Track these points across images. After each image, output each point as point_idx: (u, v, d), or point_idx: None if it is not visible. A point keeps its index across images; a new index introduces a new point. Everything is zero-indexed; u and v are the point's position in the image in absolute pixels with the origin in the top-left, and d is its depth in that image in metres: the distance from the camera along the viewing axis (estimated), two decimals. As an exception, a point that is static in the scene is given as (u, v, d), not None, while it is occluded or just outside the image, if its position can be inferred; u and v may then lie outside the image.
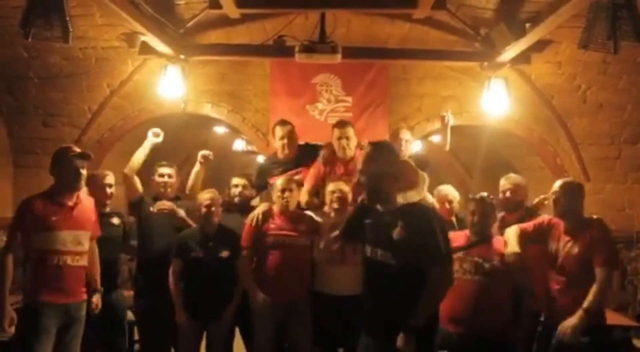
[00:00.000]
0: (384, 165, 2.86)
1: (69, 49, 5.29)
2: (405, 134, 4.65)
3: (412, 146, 4.75)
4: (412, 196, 2.89)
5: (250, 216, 4.00)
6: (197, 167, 4.43)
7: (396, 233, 2.76)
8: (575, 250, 3.39)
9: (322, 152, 4.35)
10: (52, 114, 5.77)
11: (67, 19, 3.60)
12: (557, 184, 3.58)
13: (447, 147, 5.52)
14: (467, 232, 3.65)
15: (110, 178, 4.20)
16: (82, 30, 5.13)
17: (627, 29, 3.37)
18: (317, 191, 4.25)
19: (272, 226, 3.93)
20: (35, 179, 5.54)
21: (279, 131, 4.48)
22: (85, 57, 5.55)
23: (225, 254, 3.92)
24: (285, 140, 4.44)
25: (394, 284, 2.79)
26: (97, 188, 4.07)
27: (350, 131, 4.32)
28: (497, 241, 3.53)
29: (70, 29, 3.67)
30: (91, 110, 5.76)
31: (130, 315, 4.41)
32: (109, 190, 4.17)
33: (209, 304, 3.87)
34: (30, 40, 3.75)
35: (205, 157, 4.41)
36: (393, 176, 2.87)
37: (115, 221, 4.24)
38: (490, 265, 3.40)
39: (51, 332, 3.29)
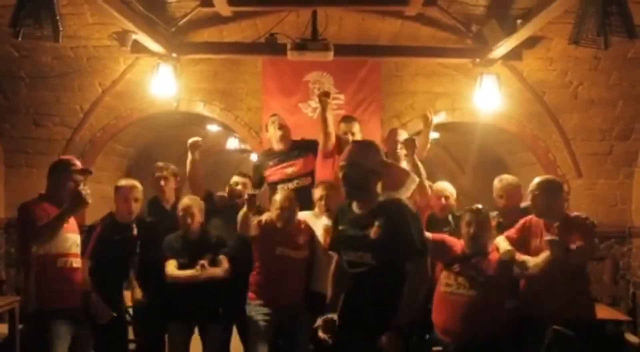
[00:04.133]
0: (368, 162, 2.82)
1: (60, 48, 5.26)
2: (402, 135, 4.56)
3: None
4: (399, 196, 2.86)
5: (261, 217, 3.95)
6: (190, 156, 4.36)
7: (373, 233, 2.74)
8: None
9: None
10: (43, 113, 5.73)
11: (57, 17, 3.56)
12: (535, 182, 3.55)
13: (428, 147, 4.80)
14: (462, 241, 3.62)
15: (136, 192, 3.88)
16: (73, 29, 5.11)
17: (617, 24, 3.37)
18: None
19: (273, 240, 3.87)
20: (27, 178, 5.52)
21: (276, 121, 4.55)
22: (76, 56, 5.53)
23: (208, 260, 3.87)
24: (281, 132, 4.48)
25: (376, 285, 2.75)
26: (122, 201, 3.89)
27: (356, 127, 4.41)
28: (493, 253, 3.53)
29: (61, 28, 3.64)
30: (83, 109, 5.73)
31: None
32: (134, 204, 3.89)
33: (197, 308, 3.88)
34: (20, 39, 3.73)
35: (193, 145, 4.32)
36: (377, 174, 2.84)
37: (135, 232, 4.03)
38: (485, 278, 3.41)
39: (67, 338, 3.27)
